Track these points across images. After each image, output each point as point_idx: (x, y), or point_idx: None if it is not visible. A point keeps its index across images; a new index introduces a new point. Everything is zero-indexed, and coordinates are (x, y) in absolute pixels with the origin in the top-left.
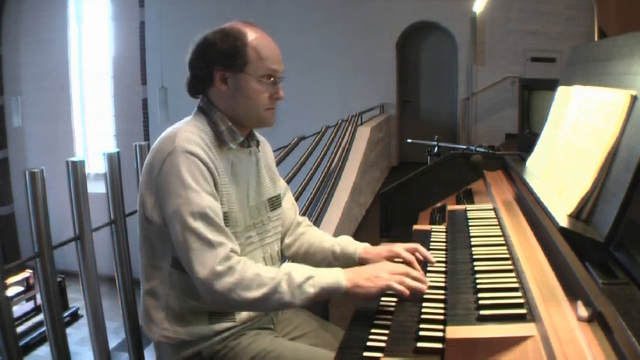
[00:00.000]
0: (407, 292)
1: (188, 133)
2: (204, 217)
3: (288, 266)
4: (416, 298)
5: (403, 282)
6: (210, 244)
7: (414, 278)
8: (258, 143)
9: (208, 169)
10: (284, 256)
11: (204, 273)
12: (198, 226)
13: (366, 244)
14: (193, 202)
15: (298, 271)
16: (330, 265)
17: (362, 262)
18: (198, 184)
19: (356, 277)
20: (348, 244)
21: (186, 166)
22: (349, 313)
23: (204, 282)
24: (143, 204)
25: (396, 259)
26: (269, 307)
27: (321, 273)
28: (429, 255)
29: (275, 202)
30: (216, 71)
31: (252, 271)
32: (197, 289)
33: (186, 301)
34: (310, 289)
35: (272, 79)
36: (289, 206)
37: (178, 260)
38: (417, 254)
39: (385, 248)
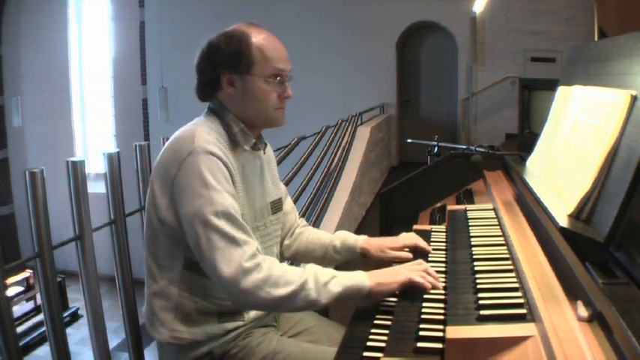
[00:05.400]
0: (428, 284)
1: (205, 134)
2: (228, 217)
3: (312, 266)
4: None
5: (424, 277)
6: (236, 242)
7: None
8: (265, 146)
9: (228, 169)
10: (283, 258)
11: (230, 271)
12: (223, 225)
13: (365, 236)
14: (216, 202)
15: (323, 271)
16: (331, 260)
17: (363, 252)
18: (220, 184)
19: (377, 277)
20: (348, 236)
21: (207, 166)
22: (349, 314)
23: (231, 280)
24: (155, 205)
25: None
26: (295, 305)
27: (344, 274)
28: (427, 246)
29: (276, 206)
30: (223, 75)
31: (280, 269)
32: (209, 290)
33: (197, 301)
34: (336, 287)
35: (279, 78)
36: (289, 209)
37: (190, 261)
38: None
39: (389, 239)
